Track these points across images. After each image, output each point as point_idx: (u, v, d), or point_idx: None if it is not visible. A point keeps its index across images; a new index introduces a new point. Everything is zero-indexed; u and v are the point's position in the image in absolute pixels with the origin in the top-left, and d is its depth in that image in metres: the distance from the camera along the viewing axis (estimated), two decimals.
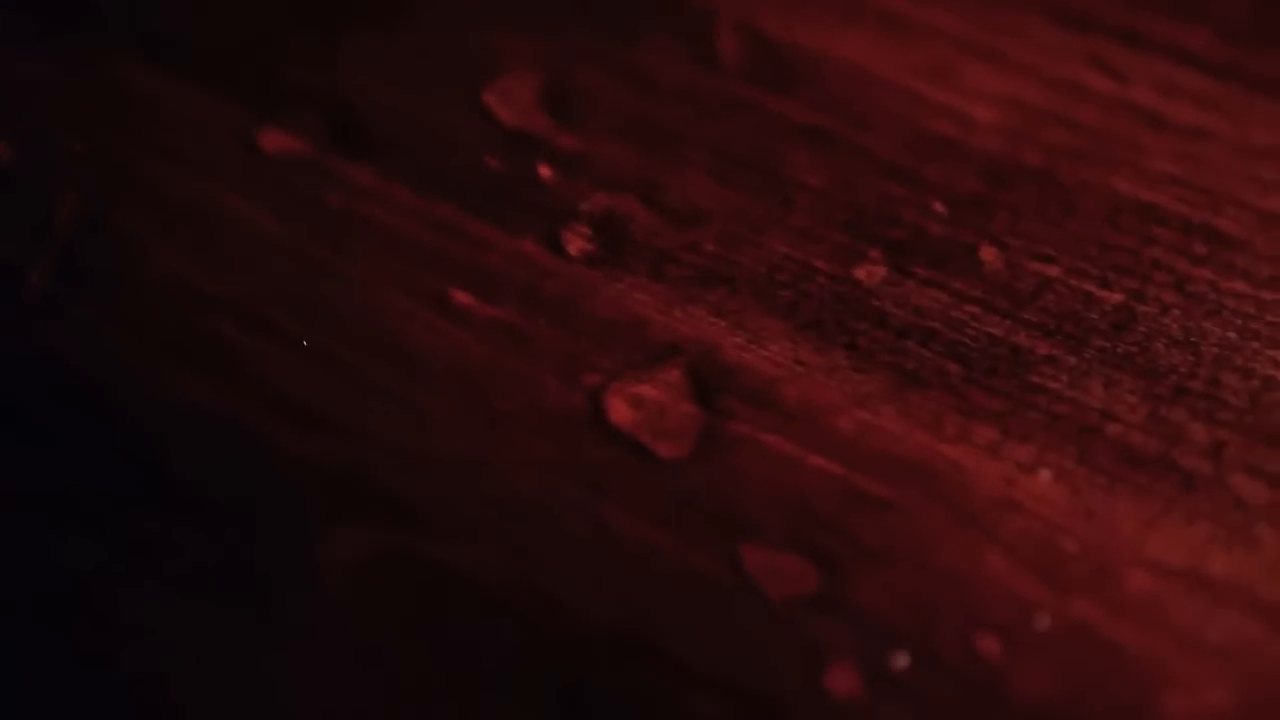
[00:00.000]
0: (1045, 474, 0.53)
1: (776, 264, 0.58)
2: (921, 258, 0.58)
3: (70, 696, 0.52)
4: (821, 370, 0.56)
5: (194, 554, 0.53)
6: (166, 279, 0.59)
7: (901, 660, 0.50)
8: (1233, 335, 0.56)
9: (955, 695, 0.49)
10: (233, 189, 0.61)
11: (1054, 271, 0.58)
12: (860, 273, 0.58)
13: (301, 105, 0.63)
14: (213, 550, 0.54)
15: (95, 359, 0.58)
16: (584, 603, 0.52)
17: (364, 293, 0.59)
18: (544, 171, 0.61)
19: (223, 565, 0.53)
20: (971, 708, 0.49)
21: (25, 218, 0.61)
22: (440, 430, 0.55)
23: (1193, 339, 0.56)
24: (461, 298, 0.58)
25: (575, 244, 0.59)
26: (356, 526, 0.54)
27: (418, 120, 0.63)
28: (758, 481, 0.54)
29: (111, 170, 0.62)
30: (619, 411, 0.55)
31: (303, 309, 0.58)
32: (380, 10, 0.66)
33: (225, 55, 0.65)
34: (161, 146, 0.63)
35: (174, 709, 0.51)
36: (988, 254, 0.58)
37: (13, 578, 0.54)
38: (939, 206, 0.59)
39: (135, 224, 0.61)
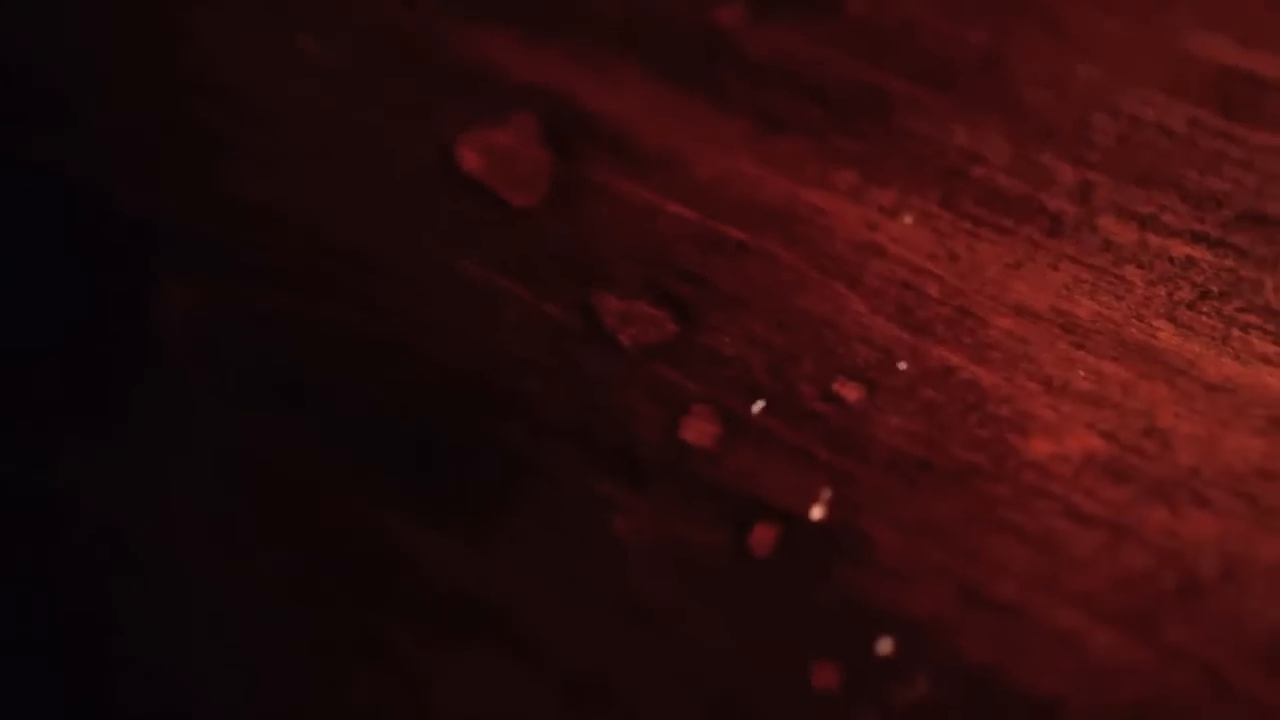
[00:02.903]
0: (908, 218, 0.51)
1: (634, 6, 0.56)
2: None
3: None
4: (680, 116, 0.54)
5: (21, 312, 0.52)
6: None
7: (760, 407, 0.49)
8: (1101, 74, 0.54)
9: (815, 440, 0.48)
10: None
11: (919, 12, 0.56)
12: (721, 14, 0.56)
13: None
14: (46, 312, 0.52)
15: None
16: (435, 355, 0.50)
17: (204, 41, 0.56)
18: None
19: (57, 328, 0.51)
20: (831, 452, 0.48)
21: None
22: (285, 182, 0.53)
23: (1061, 79, 0.54)
24: (307, 44, 0.56)
25: None
26: (196, 282, 0.52)
27: None
28: (613, 229, 0.52)
29: None
30: (470, 160, 0.53)
31: (139, 61, 0.56)
32: None
33: None
34: None
35: (18, 492, 0.50)
36: None
37: None
38: None
39: None
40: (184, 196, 0.53)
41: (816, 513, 0.47)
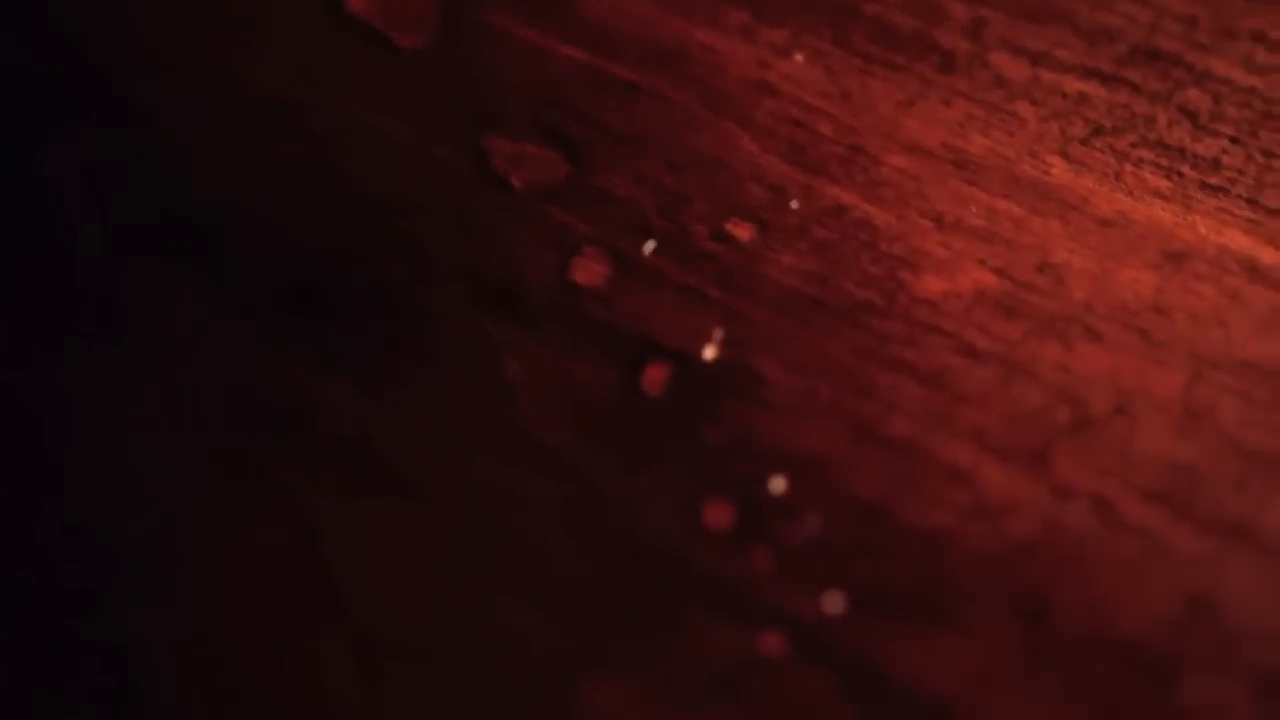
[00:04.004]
0: (799, 56, 0.51)
1: None
2: None
3: None
4: None
5: None
6: None
7: (651, 247, 0.48)
8: None
9: (706, 280, 0.48)
10: None
11: None
12: None
13: None
14: None
15: None
16: (322, 197, 0.49)
17: None
18: None
19: None
20: (723, 291, 0.48)
21: None
22: (173, 32, 0.52)
23: None
24: None
25: None
26: (85, 128, 0.51)
27: None
28: (502, 71, 0.51)
29: None
30: (356, 0, 0.52)
31: None
32: None
33: None
34: None
35: None
36: None
37: None
38: None
39: None
40: (73, 44, 0.52)
41: (709, 352, 0.47)
